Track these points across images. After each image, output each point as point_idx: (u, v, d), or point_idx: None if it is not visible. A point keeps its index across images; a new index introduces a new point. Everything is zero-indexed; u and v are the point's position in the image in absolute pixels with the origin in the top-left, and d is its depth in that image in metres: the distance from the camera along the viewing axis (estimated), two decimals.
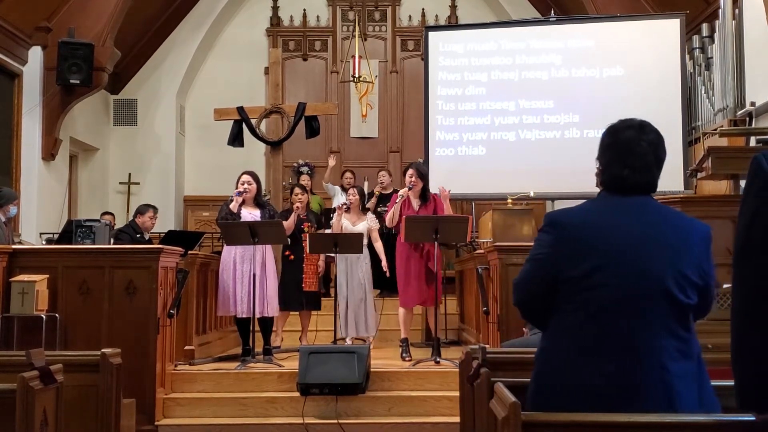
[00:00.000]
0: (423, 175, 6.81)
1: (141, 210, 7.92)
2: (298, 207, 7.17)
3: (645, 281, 2.18)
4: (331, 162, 10.02)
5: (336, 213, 7.33)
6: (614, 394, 2.12)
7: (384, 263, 7.34)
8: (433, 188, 8.25)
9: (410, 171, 6.82)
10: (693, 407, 2.15)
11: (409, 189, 6.74)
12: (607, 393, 2.10)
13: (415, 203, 6.78)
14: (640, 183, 2.29)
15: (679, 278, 2.19)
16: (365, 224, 7.29)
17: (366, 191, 9.92)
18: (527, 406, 2.29)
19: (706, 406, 2.18)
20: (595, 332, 2.19)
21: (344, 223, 7.21)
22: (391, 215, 6.76)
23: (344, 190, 8.77)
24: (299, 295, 7.19)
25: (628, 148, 2.29)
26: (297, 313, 7.46)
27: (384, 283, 8.39)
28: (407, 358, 6.54)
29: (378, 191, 9.29)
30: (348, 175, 9.71)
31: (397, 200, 6.75)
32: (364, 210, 7.55)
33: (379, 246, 7.40)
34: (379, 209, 9.16)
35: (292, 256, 7.22)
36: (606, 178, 2.34)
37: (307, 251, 7.16)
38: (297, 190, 7.41)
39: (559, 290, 2.25)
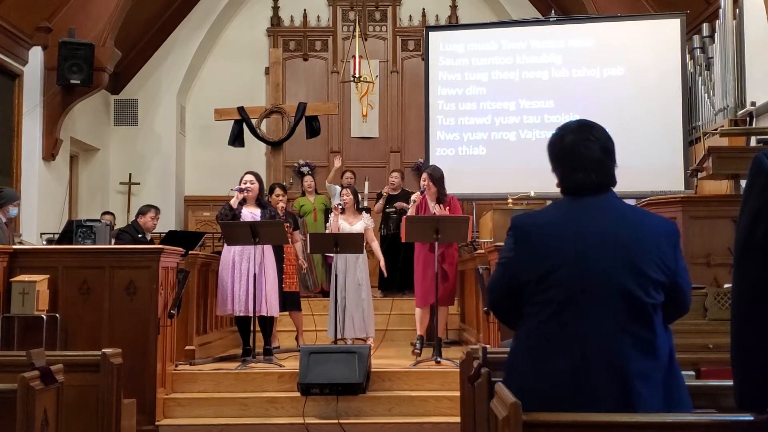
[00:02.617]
0: (437, 179, 6.84)
1: (143, 210, 7.91)
2: (283, 207, 7.19)
3: (601, 280, 2.18)
4: (337, 163, 10.00)
5: (333, 214, 7.33)
6: (572, 395, 2.11)
7: (382, 263, 7.34)
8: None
9: (424, 175, 6.94)
10: (655, 408, 2.13)
11: (422, 193, 6.80)
12: (566, 394, 2.09)
13: (432, 206, 6.82)
14: (597, 182, 2.30)
15: (638, 276, 2.18)
16: (362, 223, 7.29)
17: (366, 191, 9.94)
18: None
19: (672, 408, 2.16)
20: (553, 333, 2.20)
21: (341, 224, 7.20)
22: None
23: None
24: (280, 295, 7.17)
25: (575, 151, 2.31)
26: (287, 313, 7.45)
27: (390, 284, 8.38)
28: (416, 351, 6.66)
29: (387, 192, 9.27)
30: (348, 174, 9.70)
31: (411, 204, 6.85)
32: (360, 210, 7.57)
33: (375, 246, 7.40)
34: (387, 210, 9.15)
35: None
36: (564, 185, 2.36)
37: (290, 251, 7.17)
38: (278, 190, 7.41)
39: (522, 293, 2.28)
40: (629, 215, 2.30)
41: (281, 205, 7.24)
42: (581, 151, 2.30)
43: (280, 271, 7.18)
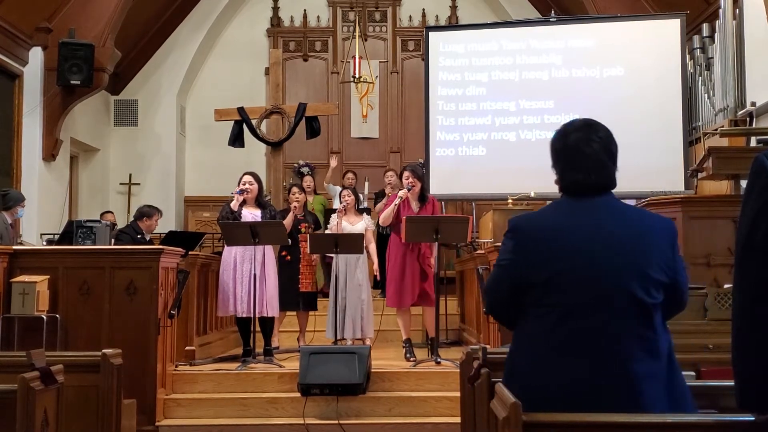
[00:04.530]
0: (420, 177, 6.79)
1: (147, 213, 7.78)
2: (295, 207, 7.18)
3: (606, 283, 2.18)
4: (333, 163, 10.04)
5: (336, 215, 7.32)
6: (578, 397, 2.11)
7: (376, 265, 7.30)
8: (434, 188, 8.24)
9: (406, 173, 6.78)
10: (660, 408, 2.14)
11: (408, 191, 6.72)
12: (571, 395, 2.09)
13: (414, 204, 6.75)
14: (596, 183, 2.29)
15: (641, 278, 2.19)
16: (363, 223, 7.29)
17: (366, 192, 9.95)
18: None
19: (676, 407, 2.17)
20: (558, 335, 2.19)
21: (343, 225, 7.21)
22: (387, 214, 6.71)
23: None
24: (296, 295, 7.18)
25: (579, 151, 2.30)
26: (294, 313, 7.46)
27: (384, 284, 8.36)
28: (412, 359, 6.50)
29: (389, 192, 9.20)
30: (350, 175, 9.71)
31: (396, 201, 6.70)
32: (360, 210, 7.55)
33: (372, 247, 7.37)
34: None
35: (289, 257, 7.21)
36: (564, 184, 2.35)
37: (306, 251, 7.17)
38: (294, 189, 7.42)
39: (524, 294, 2.27)
40: (629, 216, 2.30)
41: (295, 204, 7.23)
42: (584, 150, 2.29)
43: (296, 272, 7.18)
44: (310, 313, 7.50)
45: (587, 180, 2.28)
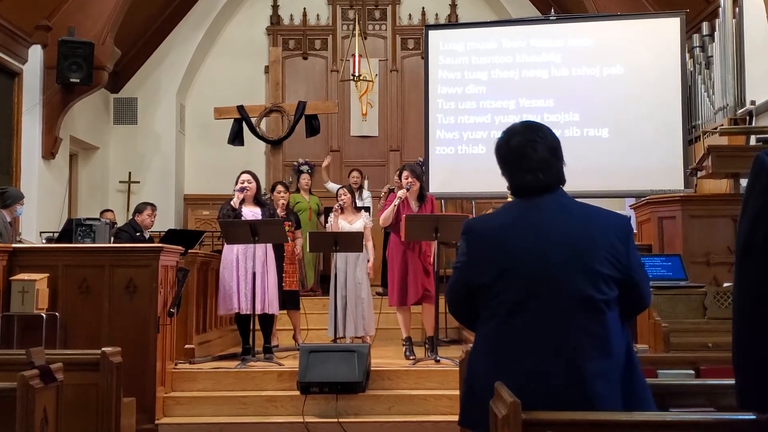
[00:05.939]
0: (418, 176, 6.78)
1: (139, 208, 7.94)
2: (283, 205, 7.18)
3: (552, 280, 2.18)
4: (325, 162, 10.01)
5: (333, 215, 7.31)
6: (532, 395, 2.09)
7: (371, 263, 7.29)
8: (434, 187, 8.23)
9: (405, 173, 6.77)
10: (615, 407, 2.13)
11: (407, 190, 6.71)
12: (526, 394, 2.07)
13: (414, 204, 6.74)
14: (544, 182, 2.30)
15: (589, 273, 2.18)
16: (362, 221, 7.28)
17: (366, 190, 9.94)
18: (459, 408, 2.36)
19: (633, 405, 2.16)
20: (509, 335, 2.20)
21: (342, 224, 7.20)
22: (387, 215, 6.69)
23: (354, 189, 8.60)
24: (280, 294, 7.16)
25: (522, 153, 2.32)
26: (285, 312, 7.45)
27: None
28: (411, 357, 6.50)
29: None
30: (355, 174, 9.70)
31: (395, 202, 6.69)
32: (359, 209, 7.55)
33: (370, 245, 7.36)
34: None
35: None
36: (513, 186, 2.37)
37: (290, 250, 7.17)
38: (279, 187, 7.42)
39: (477, 295, 2.28)
40: (578, 213, 2.30)
41: (282, 202, 7.24)
42: (528, 152, 2.31)
43: (280, 270, 7.18)
44: (305, 312, 7.50)
45: (536, 179, 2.30)
